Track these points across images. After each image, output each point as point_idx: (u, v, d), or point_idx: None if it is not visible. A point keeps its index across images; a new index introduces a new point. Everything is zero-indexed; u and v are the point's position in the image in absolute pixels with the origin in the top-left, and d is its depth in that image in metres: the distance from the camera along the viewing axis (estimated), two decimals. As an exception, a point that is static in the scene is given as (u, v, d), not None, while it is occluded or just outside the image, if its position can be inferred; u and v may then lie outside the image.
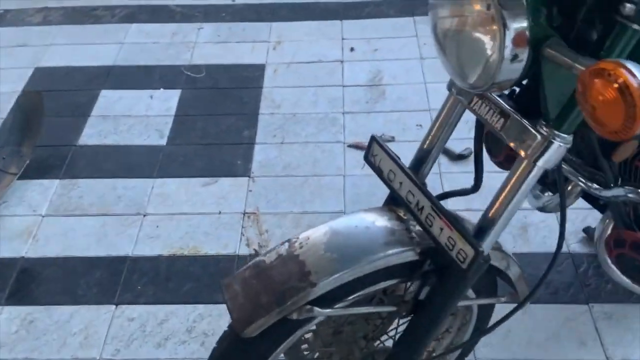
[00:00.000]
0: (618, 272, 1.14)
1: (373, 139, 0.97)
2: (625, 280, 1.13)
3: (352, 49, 2.35)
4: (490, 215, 0.82)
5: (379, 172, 0.95)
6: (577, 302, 1.49)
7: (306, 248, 0.85)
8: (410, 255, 0.86)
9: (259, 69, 2.29)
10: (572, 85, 0.70)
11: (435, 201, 0.84)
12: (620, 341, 1.40)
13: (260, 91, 2.19)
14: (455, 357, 1.20)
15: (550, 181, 1.24)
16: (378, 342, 1.07)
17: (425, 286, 0.90)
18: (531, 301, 0.92)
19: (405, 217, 0.91)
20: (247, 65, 2.32)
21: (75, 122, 2.08)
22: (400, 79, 2.19)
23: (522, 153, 0.77)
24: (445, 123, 0.92)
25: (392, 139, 1.95)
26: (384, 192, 1.75)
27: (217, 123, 2.06)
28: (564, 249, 1.63)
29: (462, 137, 1.89)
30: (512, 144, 0.77)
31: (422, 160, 0.95)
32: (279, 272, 0.84)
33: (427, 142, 0.94)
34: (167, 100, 2.18)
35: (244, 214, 1.75)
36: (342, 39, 2.41)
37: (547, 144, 0.74)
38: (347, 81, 2.20)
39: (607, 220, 1.13)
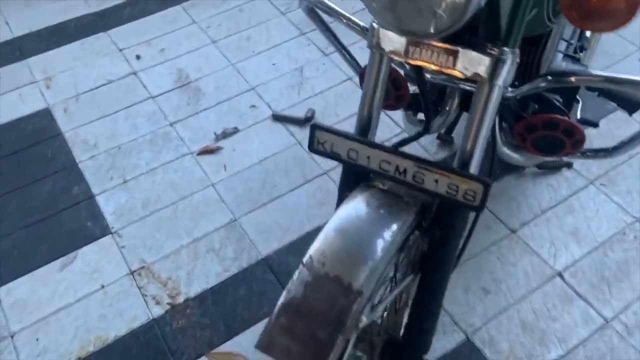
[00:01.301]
0: (516, 156, 1.30)
1: (314, 127, 0.90)
2: (525, 161, 1.31)
3: (138, 57, 2.12)
4: (468, 147, 0.84)
5: (335, 156, 0.90)
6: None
7: (329, 262, 0.78)
8: (414, 220, 0.85)
9: (45, 115, 1.93)
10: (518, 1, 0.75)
11: (418, 157, 0.83)
12: (511, 211, 1.62)
13: (63, 138, 1.86)
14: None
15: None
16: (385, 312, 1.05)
17: (426, 239, 0.91)
18: None
19: (386, 187, 0.88)
20: (26, 117, 1.93)
21: None
22: (206, 69, 2.07)
23: (480, 79, 0.80)
24: (377, 83, 0.90)
25: (236, 130, 1.85)
26: (261, 183, 1.69)
27: (35, 193, 1.70)
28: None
29: (294, 102, 1.91)
30: (469, 75, 0.80)
31: (366, 127, 0.92)
32: (320, 300, 0.75)
33: (365, 108, 0.91)
34: (-52, 196, 1.71)
35: (132, 273, 1.51)
36: (120, 50, 2.16)
37: (501, 62, 0.78)
38: (154, 91, 2.00)
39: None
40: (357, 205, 0.85)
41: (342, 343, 0.73)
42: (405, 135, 1.78)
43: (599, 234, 1.56)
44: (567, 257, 1.51)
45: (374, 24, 0.85)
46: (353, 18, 1.10)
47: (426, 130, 0.95)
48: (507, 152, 1.33)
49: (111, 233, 1.60)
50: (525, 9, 0.77)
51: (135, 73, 2.07)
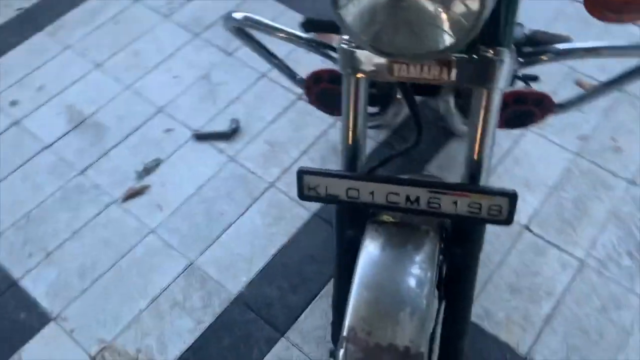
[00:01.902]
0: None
1: (301, 173, 0.79)
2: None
3: (13, 103, 1.82)
4: (475, 158, 0.78)
5: (332, 200, 0.79)
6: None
7: (375, 329, 0.69)
8: (438, 248, 0.78)
9: None
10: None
11: (429, 182, 0.76)
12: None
13: (-47, 222, 1.56)
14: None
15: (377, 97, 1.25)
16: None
17: (446, 260, 0.85)
18: None
19: (397, 219, 0.80)
20: None
21: None
22: (99, 99, 1.82)
23: (481, 85, 0.73)
24: (357, 108, 0.80)
25: (158, 161, 1.66)
26: (206, 215, 1.53)
27: (-60, 298, 1.42)
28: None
29: (212, 114, 1.75)
30: (466, 83, 0.72)
31: (354, 157, 0.82)
32: (381, 376, 0.66)
33: (350, 139, 0.81)
34: None
35: (93, 359, 1.32)
36: (-12, 99, 1.84)
37: (499, 63, 0.71)
38: (47, 139, 1.72)
39: (446, 98, 1.22)
40: (376, 252, 0.76)
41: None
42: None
43: (548, 178, 1.60)
44: (527, 209, 1.54)
45: (344, 46, 0.74)
46: (294, 31, 0.98)
47: (417, 143, 0.87)
48: (463, 128, 1.30)
49: (53, 319, 1.38)
50: (518, 3, 0.70)
51: (17, 122, 1.77)
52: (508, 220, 0.75)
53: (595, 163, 1.61)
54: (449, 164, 1.64)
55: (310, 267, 1.44)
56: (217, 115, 1.76)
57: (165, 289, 1.42)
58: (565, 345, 1.31)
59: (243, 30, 1.02)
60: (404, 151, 0.87)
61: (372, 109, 1.30)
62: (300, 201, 1.54)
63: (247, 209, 1.55)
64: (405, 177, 0.77)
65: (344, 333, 0.70)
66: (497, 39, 0.71)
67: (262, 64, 1.85)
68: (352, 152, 0.82)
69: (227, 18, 0.99)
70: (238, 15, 0.97)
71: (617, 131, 1.68)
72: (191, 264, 1.46)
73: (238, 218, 1.54)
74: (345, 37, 0.74)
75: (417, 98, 1.25)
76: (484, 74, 0.71)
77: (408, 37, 0.64)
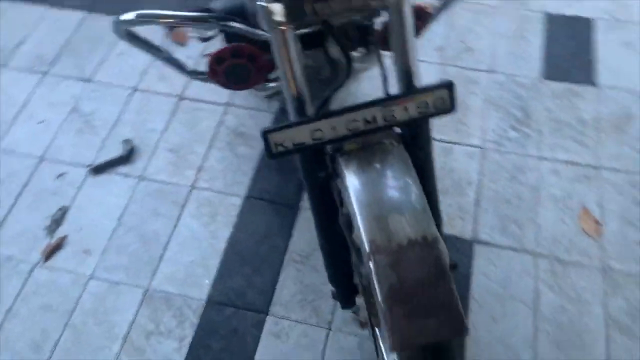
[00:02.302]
0: (365, 65, 1.38)
1: (265, 133, 0.82)
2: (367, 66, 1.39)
3: None
4: (405, 68, 0.87)
5: (299, 148, 0.84)
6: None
7: (392, 234, 0.76)
8: (406, 153, 0.87)
9: None
10: None
11: (380, 99, 0.84)
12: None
13: None
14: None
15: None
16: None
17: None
18: None
19: (360, 145, 0.88)
20: None
21: None
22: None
23: (395, 1, 0.82)
24: (291, 61, 0.84)
25: (64, 209, 1.55)
26: (140, 240, 1.51)
27: None
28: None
29: (99, 145, 1.67)
30: (383, 3, 0.81)
31: (302, 105, 0.87)
32: (415, 268, 0.74)
33: (293, 87, 0.86)
34: None
35: (89, 421, 1.24)
36: None
37: None
38: None
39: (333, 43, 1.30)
40: (359, 176, 0.84)
41: (455, 288, 0.75)
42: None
43: (427, 91, 1.77)
44: (422, 122, 1.70)
45: (263, 3, 0.79)
46: (192, 14, 0.98)
47: (348, 76, 0.94)
48: (358, 65, 1.39)
49: (25, 405, 1.26)
50: None
51: None
52: (451, 107, 0.86)
53: (458, 66, 1.83)
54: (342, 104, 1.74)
55: (263, 245, 1.47)
56: (105, 144, 1.68)
57: (132, 324, 1.36)
58: (498, 217, 1.50)
59: (133, 34, 1.00)
60: (339, 86, 0.94)
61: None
62: (228, 190, 1.56)
63: (178, 218, 1.53)
64: (359, 104, 0.84)
65: (367, 249, 0.76)
66: None
67: (127, 80, 1.81)
68: (298, 101, 0.87)
69: (118, 23, 0.96)
70: (129, 16, 0.95)
71: (462, 35, 1.91)
72: (147, 290, 1.41)
73: (173, 231, 1.50)
74: (261, -6, 0.78)
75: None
76: None
77: None
